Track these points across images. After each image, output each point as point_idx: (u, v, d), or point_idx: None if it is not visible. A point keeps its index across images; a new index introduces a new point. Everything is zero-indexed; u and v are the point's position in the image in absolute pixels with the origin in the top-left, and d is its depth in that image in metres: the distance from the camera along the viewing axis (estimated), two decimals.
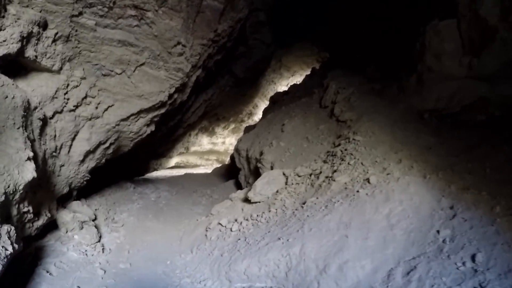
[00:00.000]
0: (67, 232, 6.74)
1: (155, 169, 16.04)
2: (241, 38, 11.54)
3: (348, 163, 6.39)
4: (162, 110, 8.74)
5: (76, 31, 6.22)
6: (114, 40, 6.73)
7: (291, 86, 14.35)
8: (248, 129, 13.95)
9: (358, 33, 12.41)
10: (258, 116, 18.14)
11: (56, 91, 6.07)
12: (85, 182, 7.65)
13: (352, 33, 12.64)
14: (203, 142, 16.70)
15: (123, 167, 11.66)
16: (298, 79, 18.45)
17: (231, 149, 18.86)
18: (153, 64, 7.52)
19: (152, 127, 9.08)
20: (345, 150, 6.99)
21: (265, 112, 13.86)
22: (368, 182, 5.57)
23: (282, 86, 18.34)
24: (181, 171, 17.26)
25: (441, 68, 7.95)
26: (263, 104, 18.07)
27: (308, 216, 5.37)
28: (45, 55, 5.77)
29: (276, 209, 6.28)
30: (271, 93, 18.00)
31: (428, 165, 5.87)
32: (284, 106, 11.44)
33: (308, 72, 17.09)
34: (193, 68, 8.88)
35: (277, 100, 14.12)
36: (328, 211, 5.23)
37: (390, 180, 5.48)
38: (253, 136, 10.56)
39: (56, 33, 5.90)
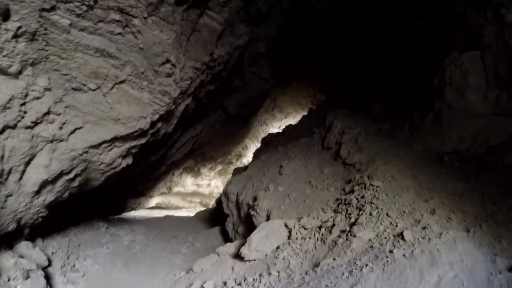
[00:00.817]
0: (8, 280, 5.19)
1: (133, 209, 14.41)
2: (238, 70, 10.50)
3: (370, 214, 5.08)
4: (142, 141, 7.36)
5: (46, 29, 4.97)
6: (90, 48, 5.50)
7: (286, 126, 13.24)
8: (238, 171, 12.62)
9: (360, 70, 11.59)
10: (247, 158, 16.87)
11: (10, 100, 4.74)
12: (40, 219, 6.14)
13: (354, 71, 11.82)
14: (187, 183, 15.25)
15: (96, 203, 10.10)
16: (291, 121, 17.43)
17: (216, 192, 17.37)
18: (135, 83, 6.25)
19: (129, 160, 7.65)
20: (362, 197, 5.72)
21: (257, 153, 12.61)
22: (402, 238, 4.24)
23: (274, 128, 17.26)
24: (162, 213, 15.64)
25: (464, 105, 7.07)
26: (253, 145, 16.87)
27: (327, 286, 3.91)
28: (1, 52, 4.49)
29: (278, 272, 4.82)
30: (263, 135, 16.87)
31: (466, 216, 4.79)
32: (280, 147, 10.21)
33: (302, 114, 16.21)
34: (182, 95, 7.67)
35: (270, 142, 12.95)
36: (355, 279, 3.80)
37: (430, 236, 4.20)
38: (245, 178, 9.20)
39: (19, 28, 4.63)
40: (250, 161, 12.81)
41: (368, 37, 10.59)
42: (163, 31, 6.03)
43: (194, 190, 16.36)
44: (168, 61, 6.40)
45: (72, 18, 5.14)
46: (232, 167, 16.48)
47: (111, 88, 5.97)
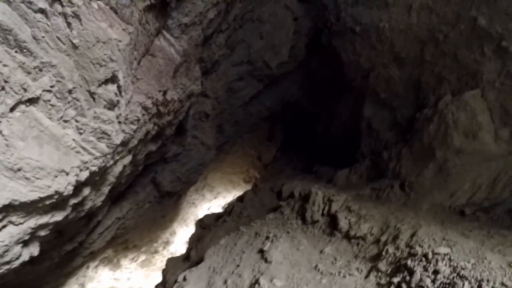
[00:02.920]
0: None
1: None
2: (180, 131, 8.02)
3: None
4: (58, 216, 4.16)
5: None
6: None
7: (229, 204, 10.62)
8: (174, 261, 9.32)
9: (309, 136, 9.97)
10: (175, 246, 13.43)
11: None
12: None
13: (301, 137, 10.14)
14: (103, 277, 11.20)
15: None
16: (220, 202, 14.80)
17: (137, 287, 13.25)
18: (56, 109, 3.39)
19: (34, 250, 4.28)
20: (437, 273, 3.43)
21: (198, 239, 9.39)
22: None
23: (203, 210, 14.35)
24: None
25: (477, 148, 5.67)
26: (182, 230, 13.62)
27: None
28: None
29: None
30: (192, 217, 13.88)
31: None
32: (243, 227, 7.44)
33: (233, 194, 14.04)
34: (123, 147, 4.92)
35: (209, 225, 10.10)
36: None
37: None
38: (207, 272, 6.12)
39: None
40: (187, 248, 9.63)
41: (321, 87, 9.09)
42: (113, 27, 3.49)
43: (112, 286, 12.17)
44: (114, 78, 3.75)
45: None
46: (157, 257, 12.85)
47: (12, 109, 3.04)
